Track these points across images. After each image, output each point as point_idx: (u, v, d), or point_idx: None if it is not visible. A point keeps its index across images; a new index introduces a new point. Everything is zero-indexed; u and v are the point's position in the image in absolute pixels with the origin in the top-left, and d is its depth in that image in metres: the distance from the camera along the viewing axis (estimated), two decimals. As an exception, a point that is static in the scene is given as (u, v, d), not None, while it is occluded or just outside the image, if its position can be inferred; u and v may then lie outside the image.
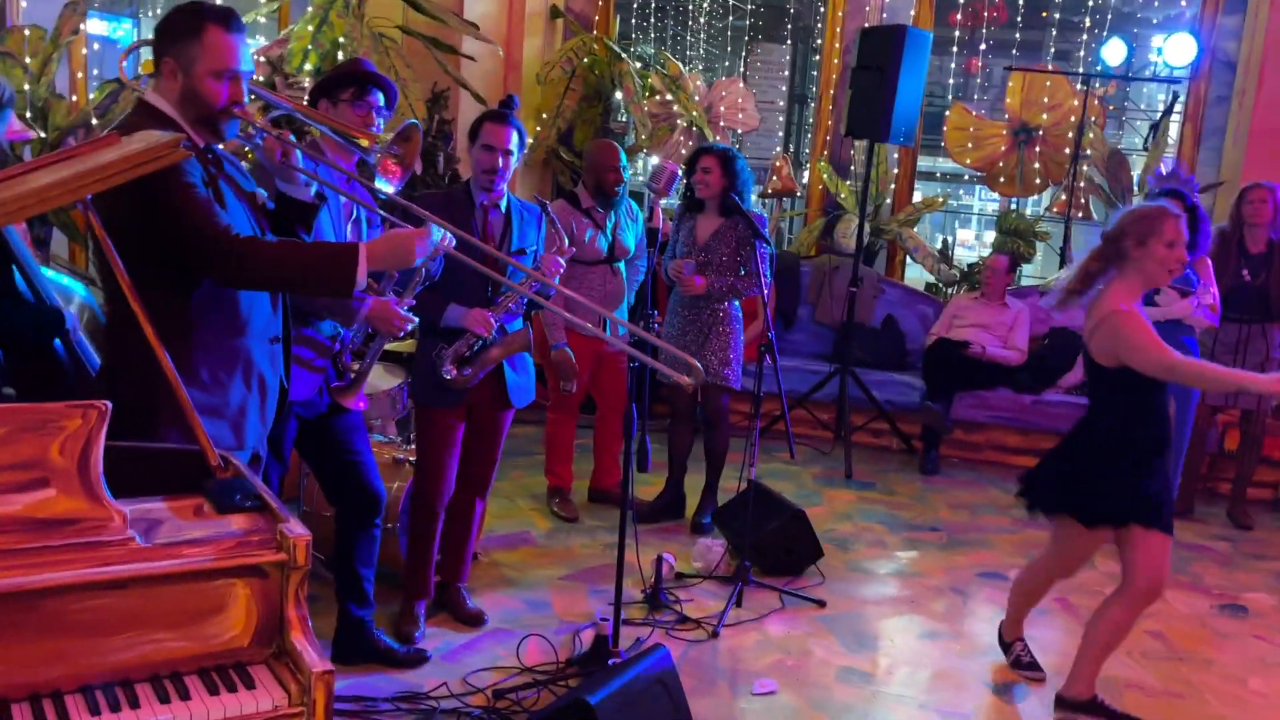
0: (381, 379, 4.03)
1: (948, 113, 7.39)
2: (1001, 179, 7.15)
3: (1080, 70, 7.10)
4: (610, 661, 3.06)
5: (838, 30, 7.16)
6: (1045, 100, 6.95)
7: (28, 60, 5.03)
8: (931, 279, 7.13)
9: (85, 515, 1.61)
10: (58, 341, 2.77)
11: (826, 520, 4.78)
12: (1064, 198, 6.86)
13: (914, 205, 7.28)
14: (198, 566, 1.65)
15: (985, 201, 13.65)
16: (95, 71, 6.04)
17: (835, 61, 7.18)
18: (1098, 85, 6.91)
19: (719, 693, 3.22)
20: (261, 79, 4.99)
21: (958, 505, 5.23)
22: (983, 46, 8.58)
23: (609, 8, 7.34)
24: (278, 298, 2.42)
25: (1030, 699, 3.30)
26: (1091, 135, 6.73)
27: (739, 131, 7.32)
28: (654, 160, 6.99)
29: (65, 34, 5.06)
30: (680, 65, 7.17)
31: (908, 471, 5.74)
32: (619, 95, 6.70)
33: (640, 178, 7.51)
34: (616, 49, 6.70)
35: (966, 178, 9.62)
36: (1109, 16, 7.92)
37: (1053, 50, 8.46)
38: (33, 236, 4.76)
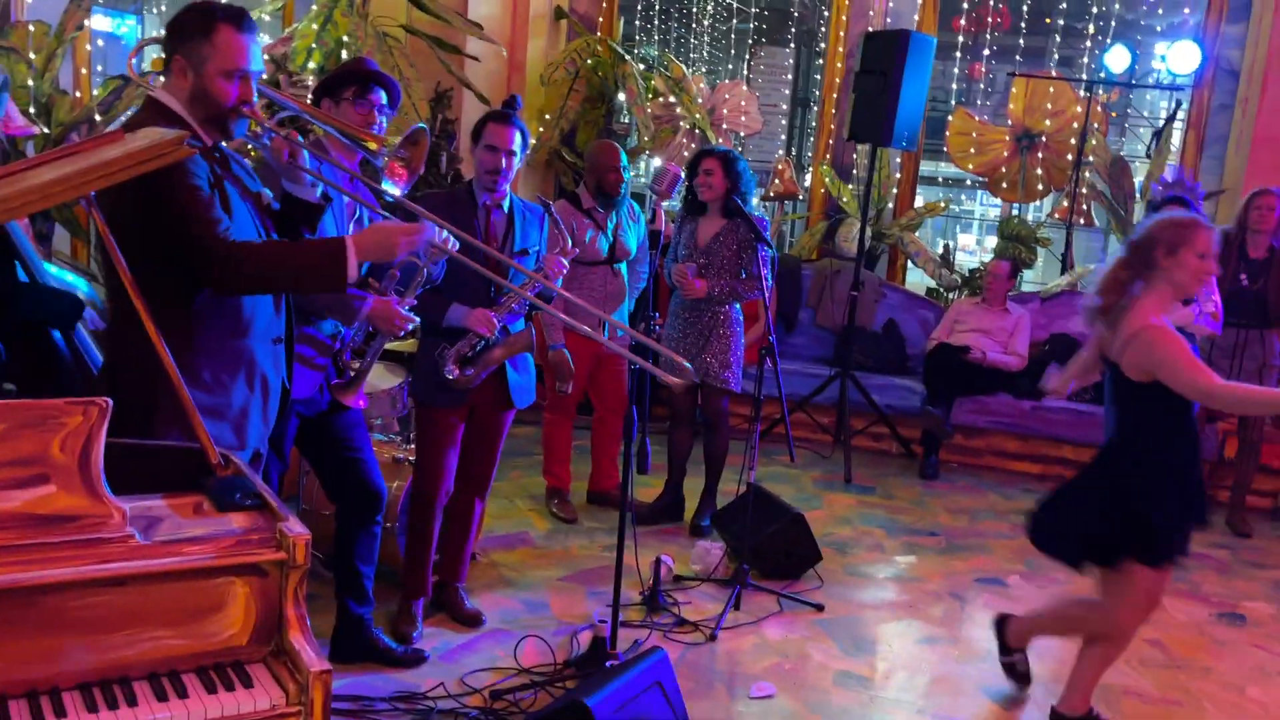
0: (382, 378, 4.03)
1: (950, 118, 7.39)
2: (1003, 184, 7.15)
3: (1083, 77, 7.10)
4: (608, 663, 3.05)
5: (841, 34, 7.16)
6: (1048, 106, 6.95)
7: (32, 56, 5.04)
8: (932, 284, 7.13)
9: (85, 512, 1.61)
10: (59, 337, 2.77)
11: (826, 524, 4.77)
12: (1066, 204, 6.87)
13: (916, 210, 7.28)
14: (197, 564, 1.65)
15: (987, 207, 13.67)
16: (99, 67, 6.05)
17: (838, 65, 7.18)
18: (1101, 92, 6.91)
19: (716, 696, 3.22)
20: (265, 77, 4.99)
21: (957, 510, 5.23)
22: (986, 52, 8.59)
23: (613, 9, 7.35)
24: (280, 298, 2.42)
25: (1027, 705, 3.30)
26: (1094, 142, 6.73)
27: (741, 134, 7.33)
28: (656, 162, 6.99)
29: (70, 29, 5.07)
30: (683, 67, 7.18)
31: (907, 476, 5.74)
32: (622, 97, 6.71)
33: (643, 180, 7.51)
34: (620, 51, 6.71)
35: (968, 183, 9.65)
36: (1112, 23, 7.93)
37: (1056, 56, 8.47)
38: (35, 232, 4.76)
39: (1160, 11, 8.49)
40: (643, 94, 6.60)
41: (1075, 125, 6.77)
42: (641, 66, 6.95)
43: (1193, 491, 2.91)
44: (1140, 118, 9.33)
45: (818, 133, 7.55)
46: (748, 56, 9.42)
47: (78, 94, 5.65)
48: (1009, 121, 7.10)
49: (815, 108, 8.52)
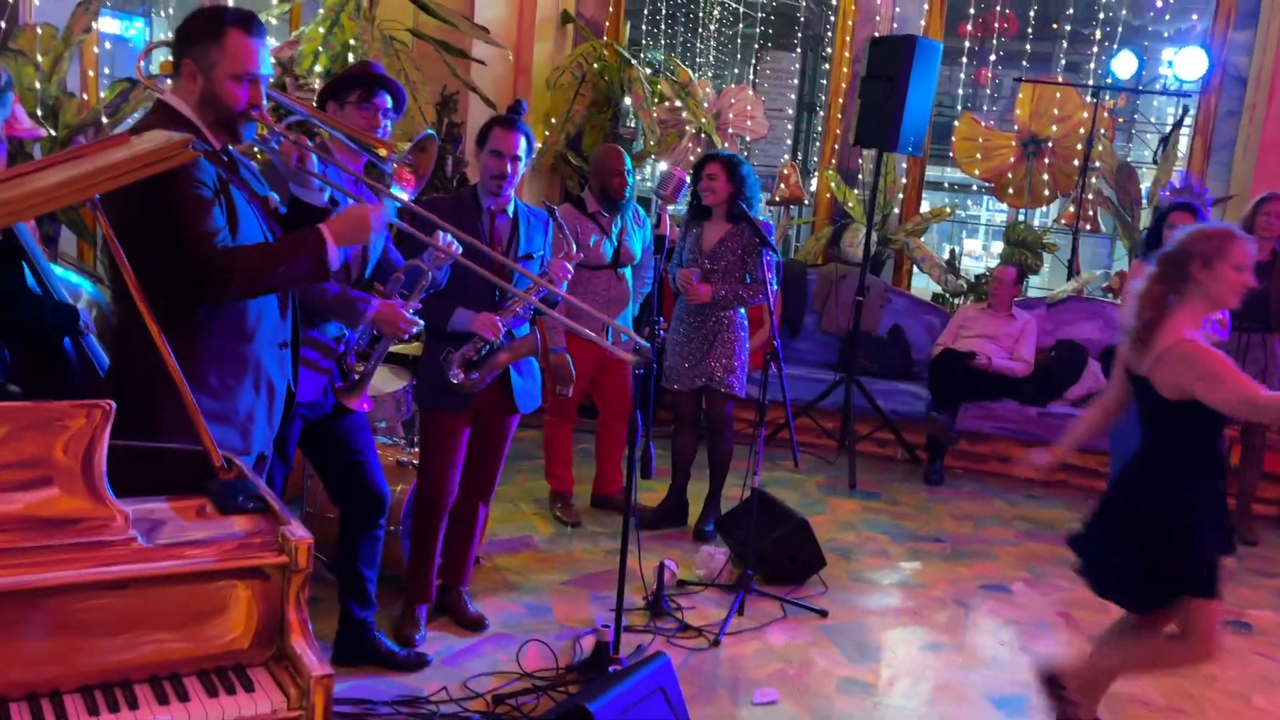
0: (386, 381, 4.03)
1: (957, 123, 7.39)
2: (1010, 190, 7.14)
3: (1090, 82, 7.10)
4: (610, 668, 3.05)
5: (848, 39, 7.16)
6: (1055, 112, 6.95)
7: (39, 58, 5.04)
8: (938, 289, 7.12)
9: (88, 515, 1.61)
10: (67, 341, 2.78)
11: (830, 529, 4.76)
12: (1072, 209, 6.86)
13: (921, 215, 7.27)
14: (199, 567, 1.65)
15: (993, 212, 13.67)
16: (106, 70, 6.05)
17: (845, 70, 7.18)
18: (1108, 97, 6.90)
19: (719, 702, 3.21)
20: (272, 80, 5.00)
21: (962, 516, 5.21)
22: (993, 57, 8.58)
23: (619, 14, 7.36)
24: (287, 303, 2.42)
25: (1033, 714, 3.29)
26: (1100, 147, 6.72)
27: (747, 139, 7.33)
28: (662, 167, 7.00)
29: (77, 32, 5.07)
30: (690, 72, 7.18)
31: (912, 482, 5.72)
32: (628, 101, 6.71)
33: (649, 184, 7.51)
34: (626, 55, 6.71)
35: (975, 188, 9.64)
36: (1119, 29, 7.92)
37: (1063, 62, 8.47)
38: (41, 234, 4.77)
39: (1167, 17, 8.48)
40: (649, 98, 6.60)
41: (1082, 131, 6.76)
42: (648, 71, 6.96)
43: (1224, 515, 2.81)
44: (1147, 123, 9.33)
45: (823, 137, 7.54)
46: (754, 61, 9.44)
47: (85, 96, 5.65)
48: (1015, 127, 7.09)
49: (821, 112, 8.51)
